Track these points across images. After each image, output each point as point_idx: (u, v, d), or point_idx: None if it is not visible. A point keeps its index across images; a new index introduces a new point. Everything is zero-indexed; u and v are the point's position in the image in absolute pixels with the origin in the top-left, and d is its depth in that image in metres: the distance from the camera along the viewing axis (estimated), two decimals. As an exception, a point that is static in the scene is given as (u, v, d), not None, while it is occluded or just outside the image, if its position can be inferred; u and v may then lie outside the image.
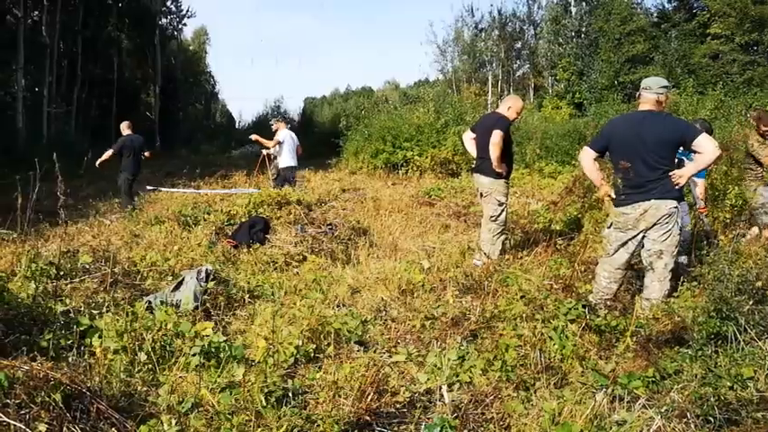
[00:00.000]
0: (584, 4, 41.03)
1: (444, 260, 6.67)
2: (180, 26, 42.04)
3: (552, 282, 4.94)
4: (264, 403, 2.95)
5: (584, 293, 4.61)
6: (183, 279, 5.19)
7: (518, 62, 51.33)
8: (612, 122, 5.14)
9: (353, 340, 4.08)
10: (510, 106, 6.75)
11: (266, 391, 3.07)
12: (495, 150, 6.35)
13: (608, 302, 4.76)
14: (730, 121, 17.00)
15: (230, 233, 7.71)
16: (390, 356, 3.94)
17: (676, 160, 4.89)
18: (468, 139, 6.95)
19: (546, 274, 5.54)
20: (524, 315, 4.15)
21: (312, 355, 3.92)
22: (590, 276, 5.30)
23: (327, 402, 3.09)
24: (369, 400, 3.08)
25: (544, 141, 18.01)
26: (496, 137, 6.34)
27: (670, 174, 4.56)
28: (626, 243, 4.74)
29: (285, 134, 11.96)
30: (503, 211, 6.64)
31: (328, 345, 3.97)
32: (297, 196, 8.74)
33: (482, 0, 76.61)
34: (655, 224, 4.59)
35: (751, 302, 3.41)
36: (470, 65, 51.46)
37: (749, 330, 3.34)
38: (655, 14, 41.43)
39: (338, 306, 5.10)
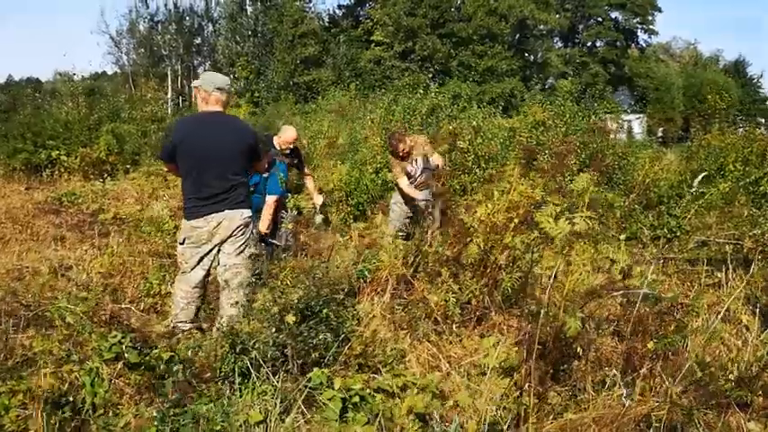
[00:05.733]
0: (259, 3, 41.37)
1: (31, 282, 5.64)
2: None
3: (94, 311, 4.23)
4: None
5: (126, 320, 4.00)
6: None
7: (199, 58, 50.06)
8: (180, 126, 4.55)
9: None
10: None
11: None
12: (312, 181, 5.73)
13: (188, 325, 4.26)
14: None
15: None
16: None
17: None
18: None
19: (134, 295, 4.90)
20: (58, 355, 3.41)
21: None
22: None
23: None
24: None
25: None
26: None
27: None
28: (202, 259, 4.28)
29: None
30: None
31: None
32: None
33: (157, -9, 72.82)
34: (230, 237, 4.22)
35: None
36: (148, 58, 48.65)
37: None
38: (326, 20, 43.63)
39: None
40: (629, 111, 42.65)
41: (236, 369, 2.84)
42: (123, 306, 4.64)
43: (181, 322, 4.27)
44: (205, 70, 50.21)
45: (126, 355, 3.27)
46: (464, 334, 3.57)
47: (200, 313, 4.41)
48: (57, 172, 16.24)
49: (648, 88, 42.42)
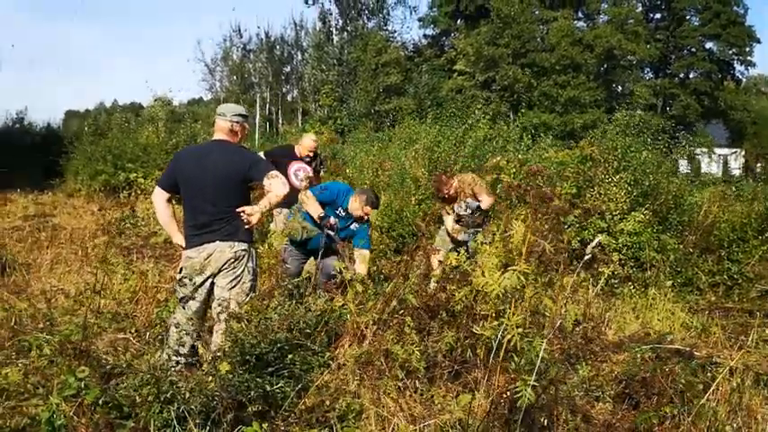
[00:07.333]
0: (345, 33, 42.26)
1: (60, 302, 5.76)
2: None
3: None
4: None
5: (97, 354, 3.85)
6: None
7: (287, 86, 51.49)
8: (179, 154, 4.58)
9: None
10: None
11: None
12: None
13: (177, 358, 4.12)
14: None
15: None
16: None
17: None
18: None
19: (143, 324, 4.84)
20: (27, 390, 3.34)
21: None
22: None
23: None
24: None
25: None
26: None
27: (239, 210, 4.03)
28: (196, 290, 4.16)
29: None
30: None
31: None
32: None
33: (251, 21, 76.23)
34: (221, 269, 4.08)
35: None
36: (239, 85, 50.52)
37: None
38: (410, 49, 43.95)
39: None
40: (724, 145, 40.57)
41: (158, 419, 2.68)
42: (123, 336, 4.59)
43: (173, 355, 4.16)
44: (293, 98, 51.80)
45: (82, 392, 3.16)
46: (434, 391, 3.27)
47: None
48: (133, 194, 16.85)
49: (745, 122, 40.08)
